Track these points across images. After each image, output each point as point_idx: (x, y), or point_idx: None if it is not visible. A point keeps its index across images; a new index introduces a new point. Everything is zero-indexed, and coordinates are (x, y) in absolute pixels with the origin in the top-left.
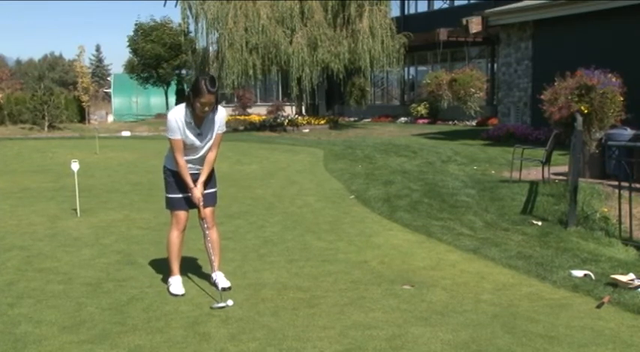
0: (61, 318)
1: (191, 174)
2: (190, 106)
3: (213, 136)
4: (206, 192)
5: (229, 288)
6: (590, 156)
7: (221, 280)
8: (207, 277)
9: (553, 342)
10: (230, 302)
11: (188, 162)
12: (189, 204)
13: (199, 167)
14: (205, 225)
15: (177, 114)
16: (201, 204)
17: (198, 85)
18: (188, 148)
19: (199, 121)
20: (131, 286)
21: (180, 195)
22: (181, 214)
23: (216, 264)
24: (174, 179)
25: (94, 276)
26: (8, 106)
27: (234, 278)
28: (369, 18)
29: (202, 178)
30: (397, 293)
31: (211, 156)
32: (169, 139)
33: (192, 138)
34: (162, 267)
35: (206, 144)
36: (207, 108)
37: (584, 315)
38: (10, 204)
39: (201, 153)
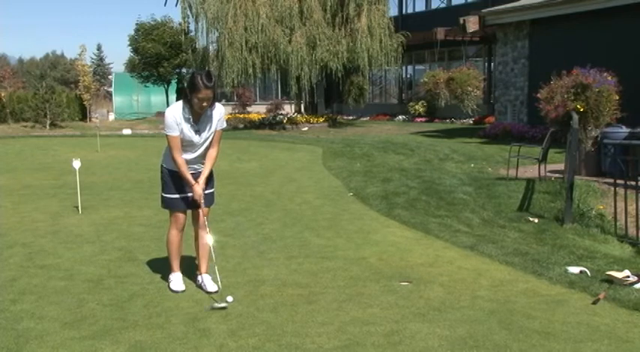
0: (63, 314)
1: (191, 174)
2: (188, 103)
3: (212, 133)
4: (204, 193)
5: (216, 292)
6: (586, 154)
7: (208, 283)
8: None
9: (549, 338)
10: (230, 299)
11: (186, 160)
12: (187, 204)
13: (197, 166)
14: (202, 223)
15: (175, 110)
16: (202, 201)
17: (194, 81)
18: (186, 145)
19: (197, 118)
20: (132, 283)
21: (177, 196)
22: (180, 215)
23: (203, 267)
24: (172, 179)
25: (95, 273)
26: (10, 105)
27: (233, 275)
28: (367, 17)
29: (204, 176)
30: (395, 289)
31: (212, 153)
32: (167, 136)
33: (190, 134)
34: (162, 264)
35: (204, 141)
36: (205, 104)
37: (580, 311)
38: (13, 201)
39: (200, 150)
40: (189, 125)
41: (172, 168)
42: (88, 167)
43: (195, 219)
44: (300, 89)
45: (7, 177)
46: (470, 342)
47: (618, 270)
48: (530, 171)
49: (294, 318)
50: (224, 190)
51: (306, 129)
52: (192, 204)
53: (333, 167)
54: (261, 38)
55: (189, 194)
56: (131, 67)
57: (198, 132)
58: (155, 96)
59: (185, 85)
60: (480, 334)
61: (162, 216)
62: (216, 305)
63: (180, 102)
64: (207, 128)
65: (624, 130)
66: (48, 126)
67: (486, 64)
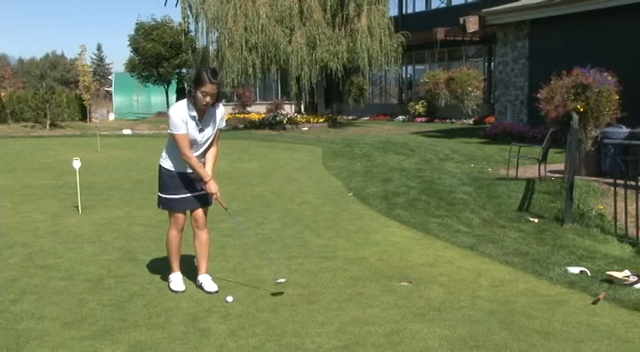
0: (63, 314)
1: (191, 174)
2: (192, 99)
3: (214, 132)
4: (201, 193)
5: (216, 292)
6: (586, 154)
7: (207, 284)
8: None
9: (549, 338)
10: (230, 299)
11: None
12: (187, 205)
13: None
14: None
15: (180, 109)
16: (219, 195)
17: (199, 75)
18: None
19: (201, 116)
20: (132, 282)
21: (177, 196)
22: (179, 216)
23: (203, 267)
24: (172, 179)
25: (95, 273)
26: (10, 105)
27: (233, 275)
28: (367, 17)
29: (210, 173)
30: (395, 289)
31: (214, 151)
32: (174, 136)
33: (194, 133)
34: (162, 264)
35: (207, 139)
36: (209, 99)
37: (580, 311)
38: (13, 201)
39: (201, 149)
40: (194, 123)
41: (172, 168)
42: (88, 167)
43: (195, 219)
44: (300, 89)
45: (7, 177)
46: (470, 342)
47: (618, 270)
48: (530, 171)
49: (294, 318)
50: (224, 190)
51: (306, 129)
52: (192, 204)
53: (333, 167)
54: (261, 38)
55: (189, 194)
56: (131, 67)
57: (201, 130)
58: (155, 97)
59: (186, 85)
60: (480, 334)
61: (162, 216)
62: (280, 280)
63: (184, 100)
64: (211, 127)
65: (624, 130)
66: (48, 126)
67: (486, 64)
